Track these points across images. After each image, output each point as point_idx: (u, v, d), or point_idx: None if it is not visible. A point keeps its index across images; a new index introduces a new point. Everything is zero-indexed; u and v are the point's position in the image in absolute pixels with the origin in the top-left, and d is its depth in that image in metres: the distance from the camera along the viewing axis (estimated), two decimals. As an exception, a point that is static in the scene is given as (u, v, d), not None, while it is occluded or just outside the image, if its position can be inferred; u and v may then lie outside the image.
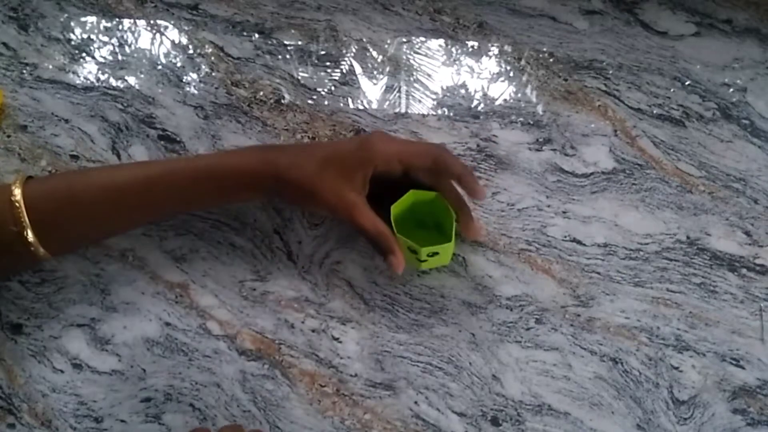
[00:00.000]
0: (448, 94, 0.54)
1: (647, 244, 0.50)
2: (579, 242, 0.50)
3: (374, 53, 0.55)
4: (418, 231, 0.47)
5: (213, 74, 0.54)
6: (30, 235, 0.41)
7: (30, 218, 0.41)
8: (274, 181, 0.44)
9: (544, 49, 0.55)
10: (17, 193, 0.42)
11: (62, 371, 0.48)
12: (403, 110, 0.54)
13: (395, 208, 0.46)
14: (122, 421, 0.47)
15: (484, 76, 0.54)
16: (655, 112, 0.53)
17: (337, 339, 0.49)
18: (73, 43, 0.55)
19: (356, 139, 0.47)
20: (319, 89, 0.54)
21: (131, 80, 0.54)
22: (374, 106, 0.54)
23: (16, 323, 0.48)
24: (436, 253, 0.45)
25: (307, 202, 0.46)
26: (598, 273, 0.50)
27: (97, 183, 0.44)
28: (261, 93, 0.54)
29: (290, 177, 0.44)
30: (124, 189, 0.44)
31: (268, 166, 0.45)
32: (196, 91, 0.54)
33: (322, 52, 0.55)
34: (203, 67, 0.55)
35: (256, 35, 0.55)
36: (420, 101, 0.54)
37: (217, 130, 0.53)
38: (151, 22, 0.56)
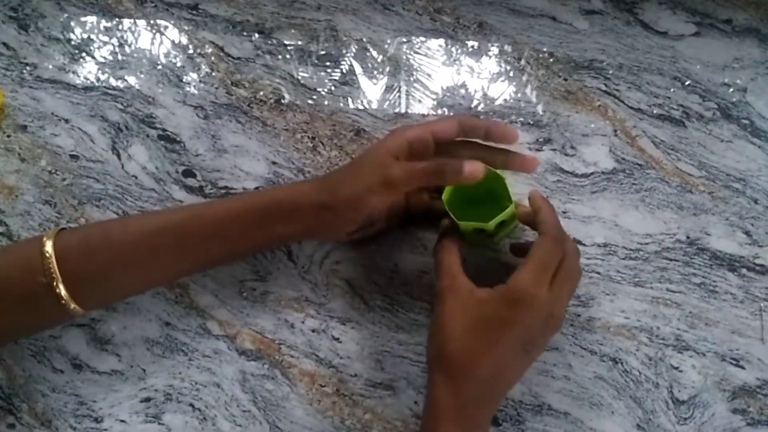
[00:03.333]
0: (448, 94, 0.54)
1: (647, 244, 0.50)
2: (579, 242, 0.50)
3: (374, 53, 0.55)
4: (474, 209, 0.45)
5: (213, 74, 0.54)
6: (61, 288, 0.39)
7: (61, 270, 0.39)
8: (330, 209, 0.42)
9: (544, 49, 0.55)
10: (48, 244, 0.39)
11: (62, 371, 0.48)
12: (403, 110, 0.54)
13: (444, 195, 0.44)
14: (122, 421, 0.47)
15: (484, 76, 0.54)
16: (655, 112, 0.53)
17: (337, 339, 0.49)
18: (73, 43, 0.55)
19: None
20: (319, 89, 0.54)
21: (131, 80, 0.54)
22: (374, 106, 0.54)
23: (16, 323, 0.48)
24: (503, 223, 0.44)
25: (357, 216, 0.43)
26: (598, 273, 0.50)
27: (134, 226, 0.42)
28: (261, 93, 0.54)
29: (349, 208, 0.42)
30: (161, 230, 0.42)
31: (321, 192, 0.43)
32: (196, 91, 0.54)
33: (322, 52, 0.55)
34: (203, 67, 0.55)
35: (256, 35, 0.55)
36: (420, 101, 0.54)
37: (217, 130, 0.53)
38: (151, 22, 0.56)
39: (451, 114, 0.54)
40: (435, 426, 0.39)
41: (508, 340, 0.39)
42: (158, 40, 0.55)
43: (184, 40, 0.55)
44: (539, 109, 0.53)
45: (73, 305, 0.40)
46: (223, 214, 0.43)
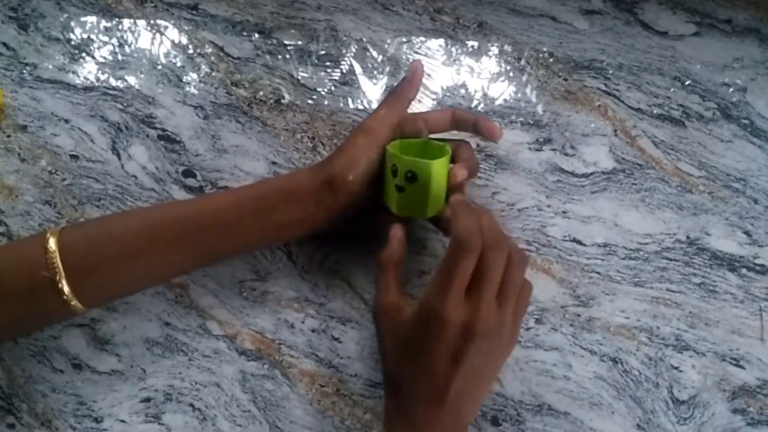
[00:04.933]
0: (448, 94, 0.54)
1: (647, 244, 0.50)
2: (579, 242, 0.50)
3: (374, 53, 0.55)
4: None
5: (213, 74, 0.54)
6: (63, 284, 0.39)
7: (64, 265, 0.39)
8: (328, 185, 0.43)
9: (544, 49, 0.55)
10: (52, 240, 0.39)
11: (62, 371, 0.48)
12: (403, 110, 0.54)
13: (392, 146, 0.44)
14: (122, 421, 0.47)
15: (484, 76, 0.54)
16: (655, 112, 0.53)
17: (337, 339, 0.49)
18: (73, 43, 0.55)
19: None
20: (319, 89, 0.54)
21: (131, 80, 0.54)
22: (374, 106, 0.54)
23: (16, 323, 0.48)
24: (415, 179, 0.42)
25: (363, 199, 0.44)
26: (598, 273, 0.50)
27: (136, 218, 0.42)
28: (261, 93, 0.54)
29: (346, 177, 0.43)
30: (162, 222, 0.42)
31: (318, 172, 0.43)
32: (196, 91, 0.54)
33: (322, 52, 0.55)
34: (203, 67, 0.55)
35: (256, 35, 0.55)
36: (420, 101, 0.54)
37: (217, 130, 0.53)
38: (151, 22, 0.56)
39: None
40: None
41: (431, 358, 0.38)
42: (158, 40, 0.55)
43: (184, 40, 0.55)
44: (539, 109, 0.53)
45: (74, 302, 0.40)
46: (223, 203, 0.43)
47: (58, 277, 0.39)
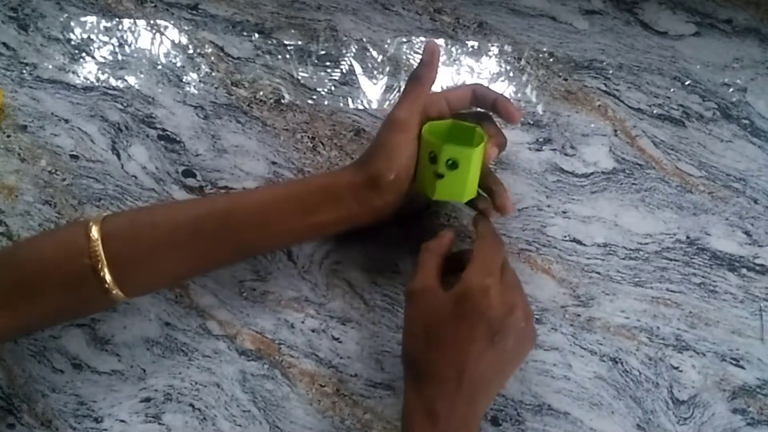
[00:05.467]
0: (448, 94, 0.54)
1: (647, 244, 0.50)
2: (579, 242, 0.50)
3: (374, 53, 0.55)
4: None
5: (213, 74, 0.54)
6: (105, 272, 0.39)
7: (107, 253, 0.39)
8: (370, 185, 0.43)
9: (544, 49, 0.55)
10: (95, 228, 0.40)
11: (62, 371, 0.48)
12: (403, 110, 0.54)
13: (424, 129, 0.44)
14: (122, 421, 0.47)
15: (484, 76, 0.54)
16: (655, 112, 0.53)
17: (337, 339, 0.49)
18: (73, 43, 0.55)
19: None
20: (319, 89, 0.54)
21: (131, 80, 0.54)
22: (374, 106, 0.54)
23: (16, 323, 0.48)
24: (456, 167, 0.42)
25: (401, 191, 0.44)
26: (598, 273, 0.50)
27: (179, 209, 0.43)
28: (261, 93, 0.54)
29: (388, 176, 0.42)
30: (204, 215, 0.42)
31: (358, 172, 0.43)
32: (196, 91, 0.54)
33: (322, 52, 0.55)
34: (203, 67, 0.55)
35: (256, 35, 0.55)
36: (420, 101, 0.54)
37: (217, 130, 0.53)
38: (151, 22, 0.56)
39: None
40: (406, 428, 0.40)
41: (469, 335, 0.39)
42: (158, 40, 0.55)
43: (184, 40, 0.55)
44: (539, 109, 0.53)
45: (116, 290, 0.40)
46: (265, 201, 0.43)
47: (100, 265, 0.39)
